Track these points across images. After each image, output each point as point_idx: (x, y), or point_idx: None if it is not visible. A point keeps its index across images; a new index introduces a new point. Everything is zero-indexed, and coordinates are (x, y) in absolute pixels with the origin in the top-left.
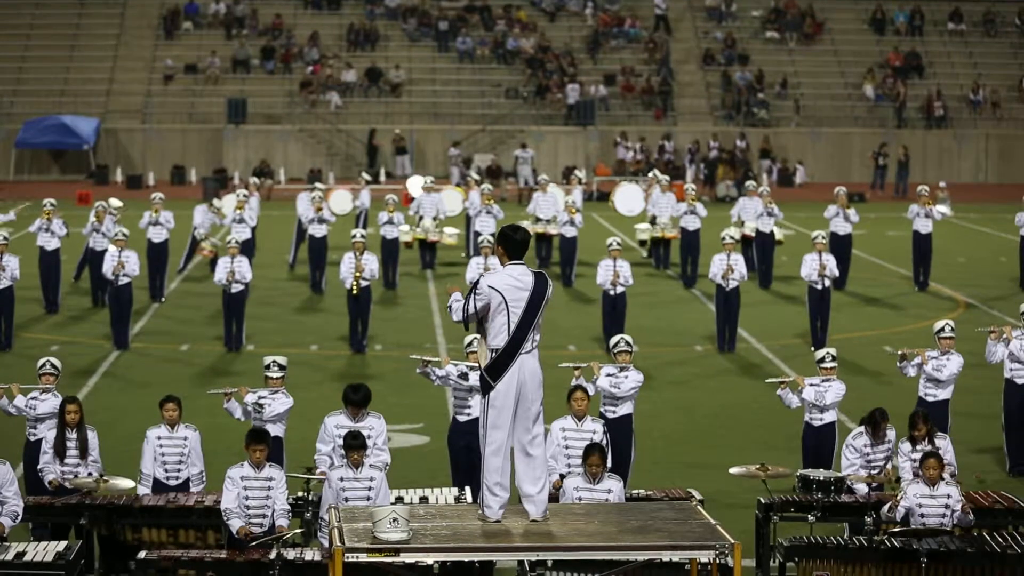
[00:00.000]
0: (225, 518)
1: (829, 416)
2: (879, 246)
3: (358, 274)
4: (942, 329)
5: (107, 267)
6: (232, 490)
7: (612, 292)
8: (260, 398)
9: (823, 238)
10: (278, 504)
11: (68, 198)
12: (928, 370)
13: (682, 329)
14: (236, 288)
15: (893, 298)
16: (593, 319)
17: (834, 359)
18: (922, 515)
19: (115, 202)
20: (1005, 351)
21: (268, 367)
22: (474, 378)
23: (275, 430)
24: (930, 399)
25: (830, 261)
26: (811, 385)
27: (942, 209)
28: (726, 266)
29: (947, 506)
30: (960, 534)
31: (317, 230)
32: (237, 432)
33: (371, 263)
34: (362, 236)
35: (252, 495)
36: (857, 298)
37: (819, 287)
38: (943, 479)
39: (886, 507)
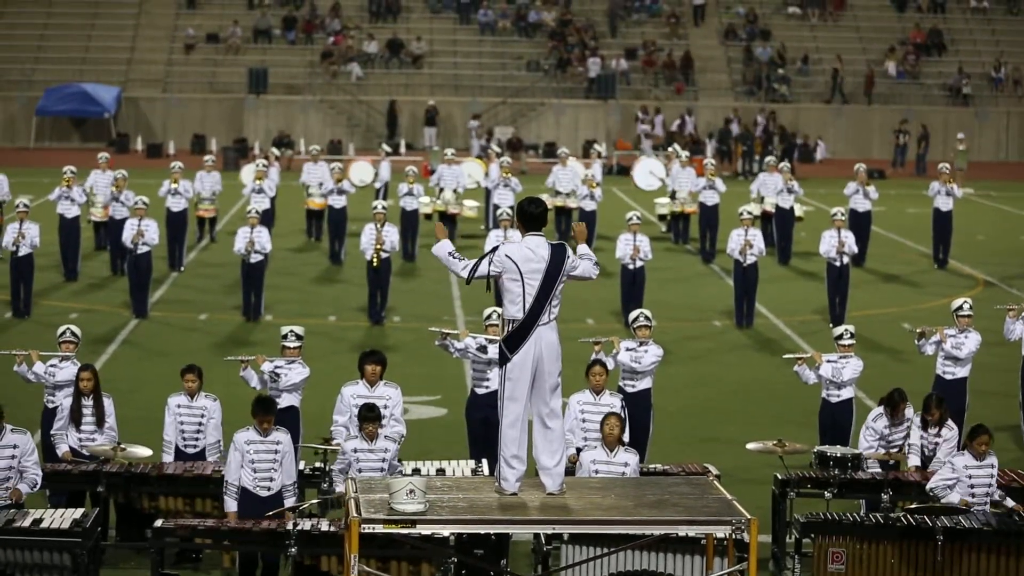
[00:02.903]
0: (224, 491)
1: (846, 393)
2: (899, 223)
3: (378, 246)
4: (960, 307)
5: (126, 236)
6: (236, 457)
7: (631, 266)
8: (277, 367)
9: (842, 215)
10: (287, 475)
11: (88, 166)
12: (947, 348)
13: (700, 304)
14: (255, 258)
15: (912, 275)
16: (612, 293)
17: (852, 336)
18: (971, 485)
19: (103, 155)
20: (1023, 329)
21: (285, 336)
22: (493, 351)
23: (291, 400)
24: (948, 377)
25: (849, 238)
26: (828, 362)
27: (956, 192)
28: (744, 241)
29: (992, 475)
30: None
31: (336, 201)
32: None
33: (391, 235)
34: (383, 207)
35: (258, 459)
36: (876, 275)
37: (838, 264)
38: (990, 452)
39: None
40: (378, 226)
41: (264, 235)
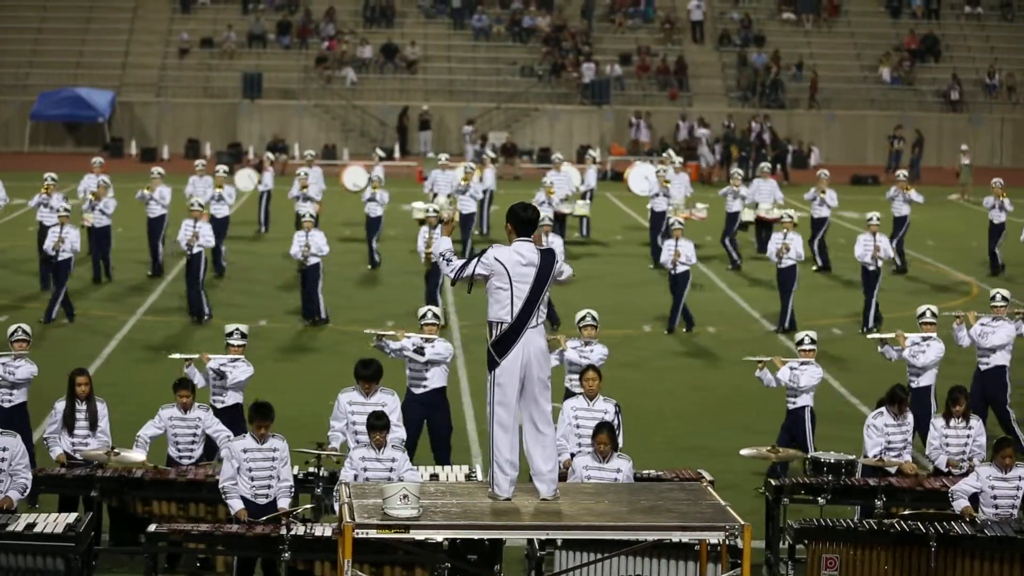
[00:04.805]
0: (224, 496)
1: (802, 400)
2: (889, 229)
3: (428, 250)
4: (923, 314)
5: (181, 237)
6: (232, 465)
7: (673, 271)
8: (221, 365)
9: (878, 220)
10: (282, 479)
11: (82, 170)
12: (904, 355)
13: (694, 307)
14: (312, 261)
15: (900, 280)
16: (600, 299)
17: (813, 342)
18: (994, 496)
19: (97, 159)
20: (968, 338)
21: (231, 334)
22: (429, 351)
23: (236, 397)
24: (912, 385)
25: (884, 242)
26: (790, 368)
27: (915, 197)
28: (782, 244)
29: (1018, 488)
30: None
31: (301, 208)
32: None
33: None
34: (434, 211)
35: (256, 467)
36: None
37: (872, 268)
38: (1017, 465)
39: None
40: (430, 229)
41: (319, 238)
